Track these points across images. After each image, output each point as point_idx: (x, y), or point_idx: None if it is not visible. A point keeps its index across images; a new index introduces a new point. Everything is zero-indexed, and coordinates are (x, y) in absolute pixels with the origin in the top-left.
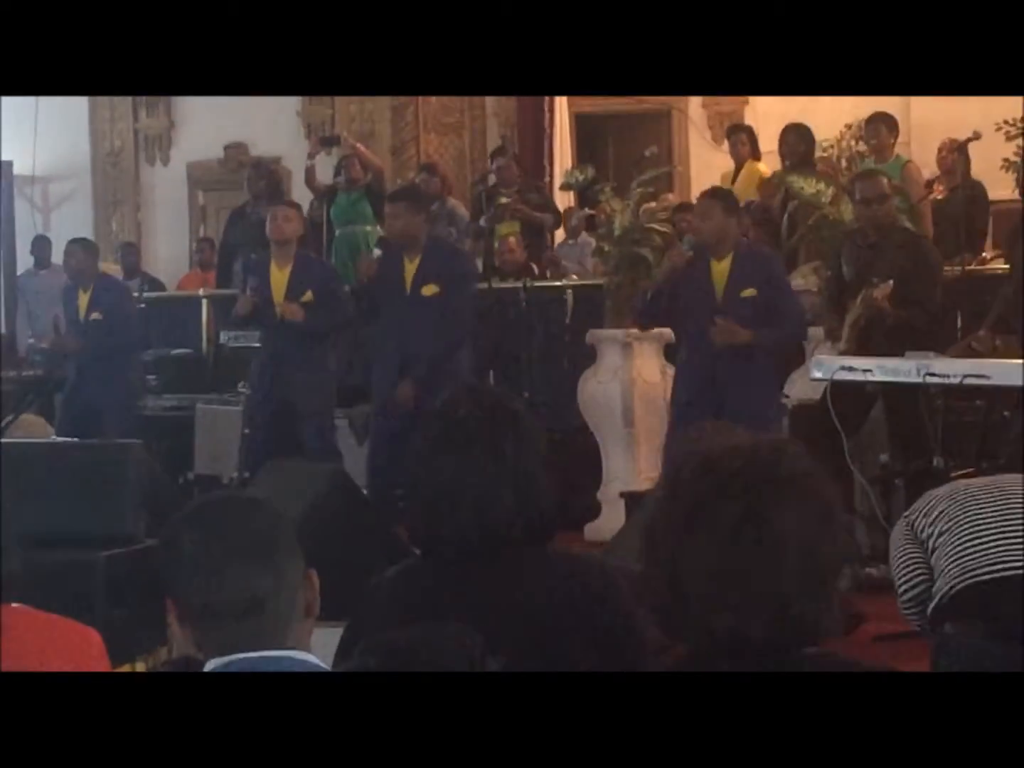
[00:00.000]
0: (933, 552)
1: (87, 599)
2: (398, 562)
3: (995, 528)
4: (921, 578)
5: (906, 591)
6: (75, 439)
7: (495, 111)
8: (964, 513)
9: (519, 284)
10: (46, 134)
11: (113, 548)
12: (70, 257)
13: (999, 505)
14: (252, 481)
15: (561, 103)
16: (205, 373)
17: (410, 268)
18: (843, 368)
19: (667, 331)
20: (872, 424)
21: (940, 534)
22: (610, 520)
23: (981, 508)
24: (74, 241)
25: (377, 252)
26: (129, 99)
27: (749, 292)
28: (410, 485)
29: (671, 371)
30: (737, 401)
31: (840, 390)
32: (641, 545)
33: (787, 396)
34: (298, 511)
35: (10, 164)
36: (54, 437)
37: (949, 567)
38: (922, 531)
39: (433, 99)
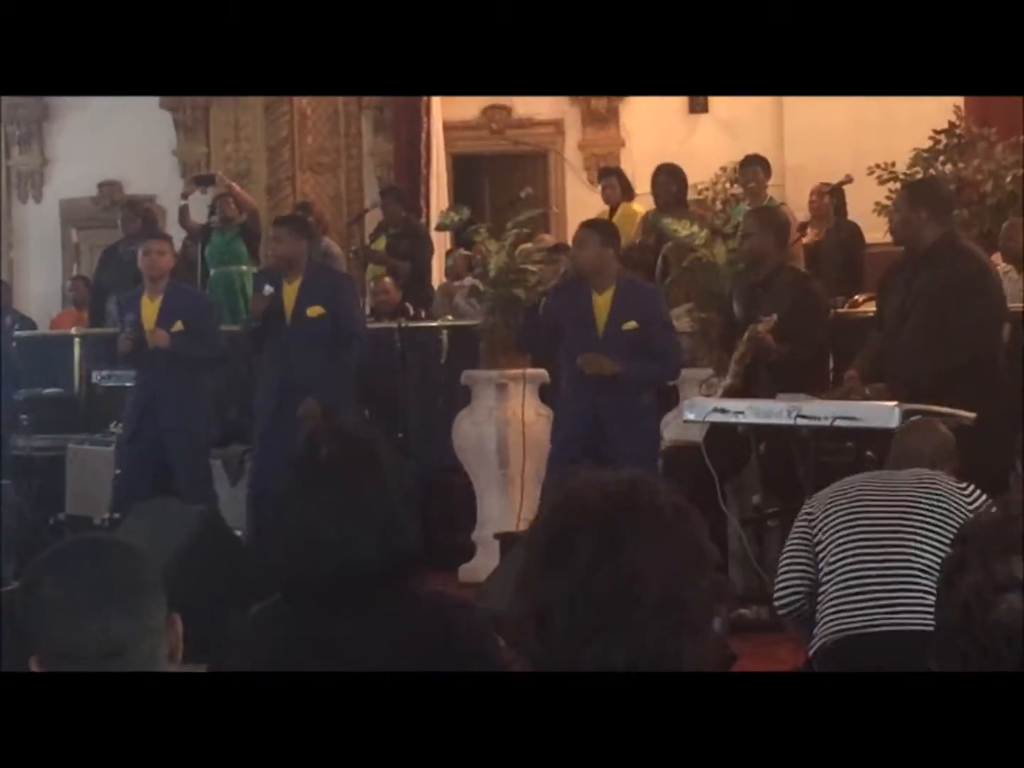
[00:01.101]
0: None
1: None
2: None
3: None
4: (800, 591)
5: (782, 597)
6: None
7: (372, 151)
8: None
9: (394, 324)
10: None
11: None
12: None
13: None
14: (123, 521)
15: (438, 143)
16: (77, 413)
17: (290, 291)
18: (715, 410)
19: (543, 371)
20: (749, 466)
21: (826, 536)
22: (484, 561)
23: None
24: None
25: (269, 289)
26: (1, 136)
27: (631, 325)
28: (270, 525)
29: (546, 412)
30: (617, 439)
31: (716, 432)
32: (514, 582)
33: (660, 437)
34: (170, 552)
35: None
36: None
37: (827, 616)
38: (813, 523)
39: (309, 138)
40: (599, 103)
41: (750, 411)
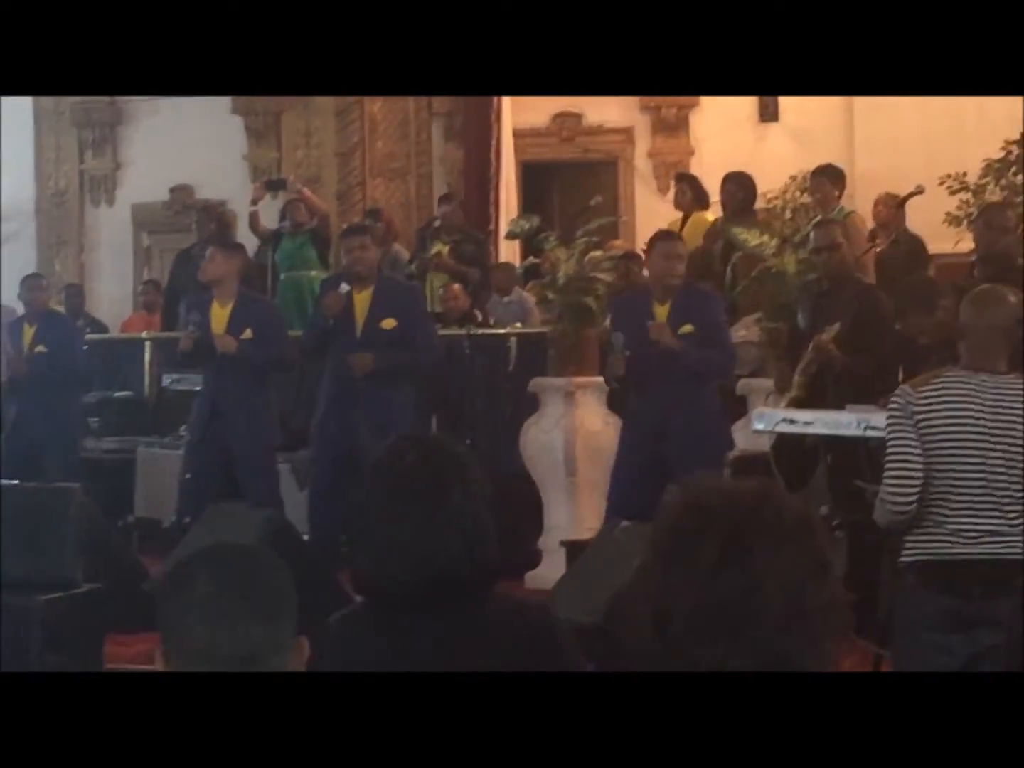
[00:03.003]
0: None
1: (24, 644)
2: (338, 609)
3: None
4: (919, 492)
5: (904, 499)
6: (15, 481)
7: (442, 157)
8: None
9: (462, 331)
10: None
11: (51, 593)
12: (25, 290)
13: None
14: (192, 525)
15: (508, 150)
16: (146, 416)
17: (360, 300)
18: (784, 420)
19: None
20: (817, 476)
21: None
22: (551, 568)
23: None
24: (30, 276)
25: (345, 287)
26: (75, 140)
27: (687, 328)
28: (354, 533)
29: (613, 420)
30: (679, 448)
31: (785, 442)
32: (633, 581)
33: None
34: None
35: None
36: None
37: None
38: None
39: (379, 144)
40: (669, 111)
41: (819, 422)
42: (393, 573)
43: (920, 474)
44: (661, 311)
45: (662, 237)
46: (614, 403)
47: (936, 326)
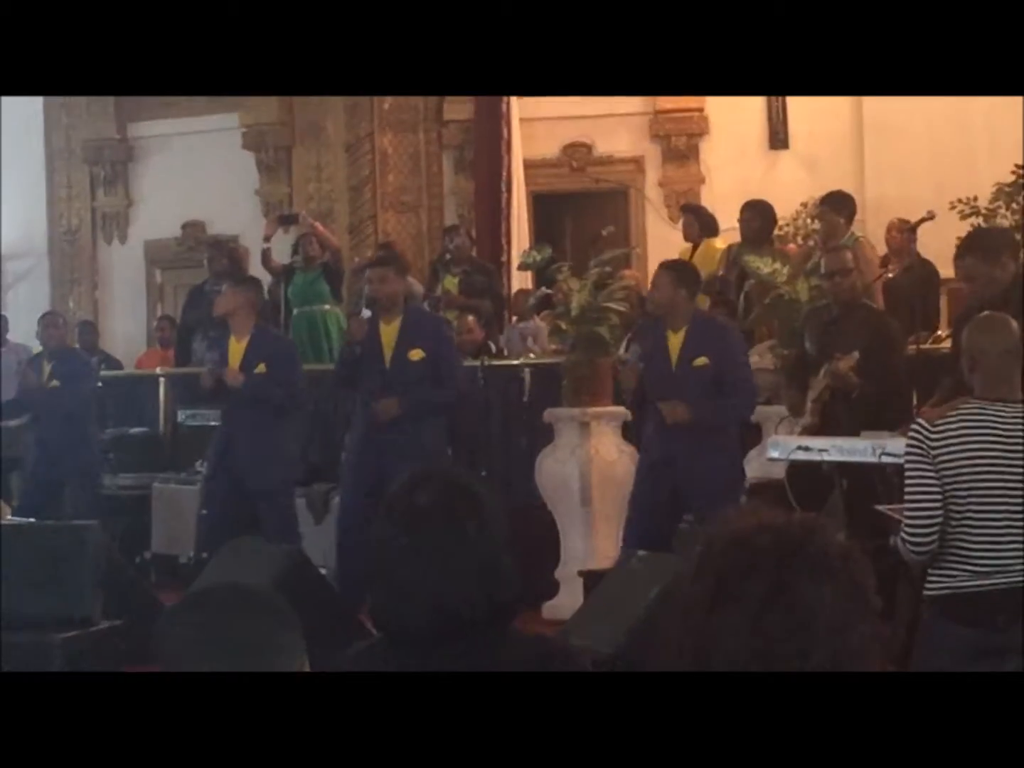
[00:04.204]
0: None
1: None
2: (357, 643)
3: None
4: (938, 531)
5: (925, 538)
6: (32, 520)
7: (453, 190)
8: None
9: (477, 363)
10: (3, 213)
11: (70, 630)
12: (42, 328)
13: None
14: (210, 561)
15: (519, 181)
16: (162, 452)
17: (388, 332)
18: (799, 448)
19: (624, 410)
20: (832, 503)
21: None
22: (568, 599)
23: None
24: (47, 314)
25: (367, 312)
26: (87, 177)
27: (701, 361)
28: (371, 570)
29: (628, 450)
30: (694, 478)
31: (800, 469)
32: (672, 620)
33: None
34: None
35: None
36: (10, 517)
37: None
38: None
39: (391, 177)
40: (679, 140)
41: (834, 449)
42: (408, 612)
43: (939, 514)
44: (675, 339)
45: (659, 266)
46: (629, 433)
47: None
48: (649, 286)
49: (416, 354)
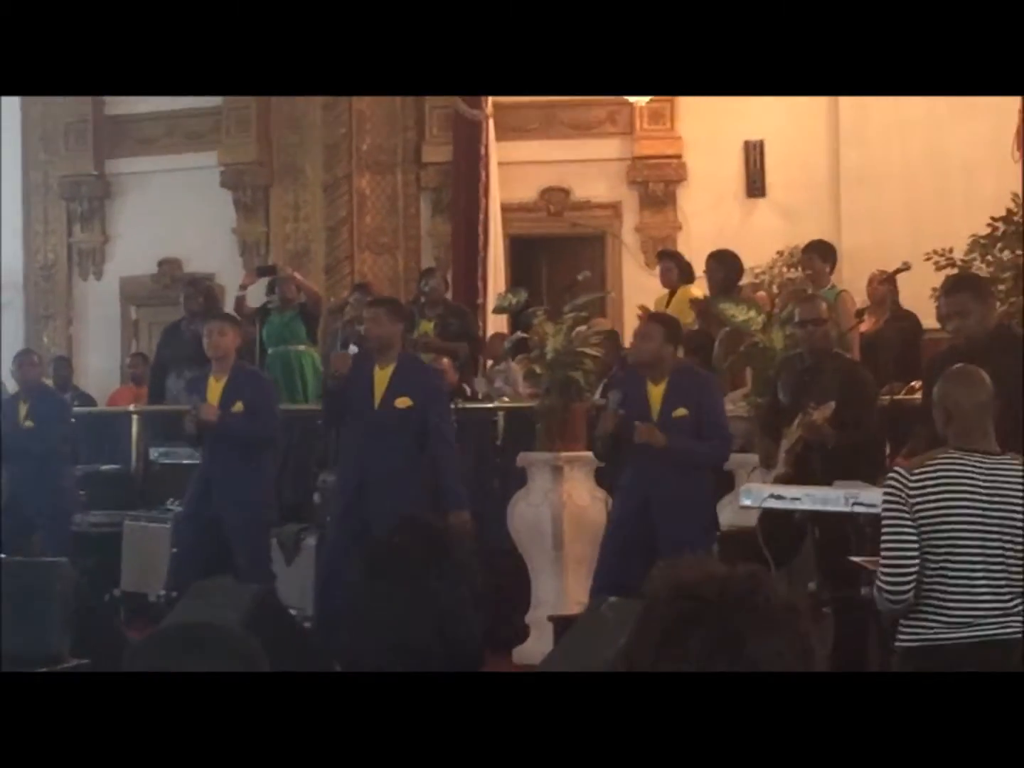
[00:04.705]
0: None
1: None
2: None
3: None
4: (914, 582)
5: (900, 590)
6: (2, 556)
7: (430, 232)
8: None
9: (451, 405)
10: None
11: (38, 667)
12: (16, 367)
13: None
14: (180, 600)
15: (496, 224)
16: (134, 489)
17: (381, 376)
18: (772, 496)
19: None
20: (804, 552)
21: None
22: (538, 644)
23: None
24: (23, 352)
25: (353, 349)
26: (64, 213)
27: (681, 412)
28: (343, 610)
29: (601, 495)
30: (670, 524)
31: (772, 518)
32: (618, 669)
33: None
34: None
35: None
36: None
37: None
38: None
39: (368, 218)
40: (657, 186)
41: (807, 498)
42: (366, 650)
43: (916, 563)
44: (655, 391)
45: (648, 318)
46: (602, 478)
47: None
48: (635, 337)
49: (403, 402)
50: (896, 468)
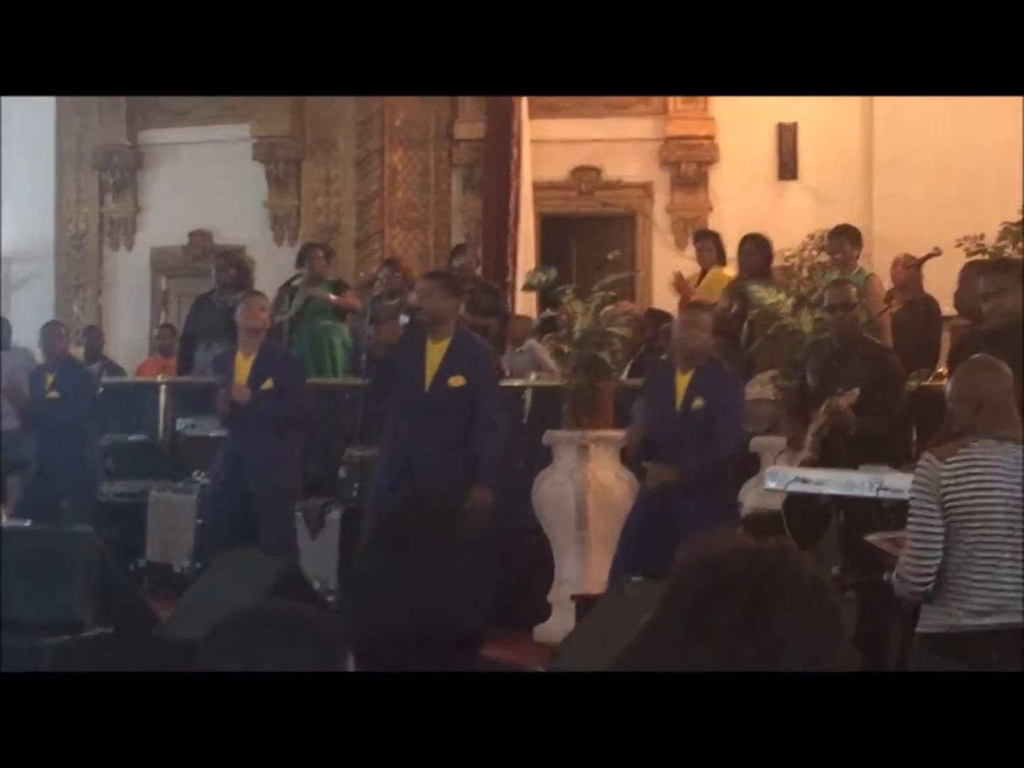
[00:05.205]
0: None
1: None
2: None
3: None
4: (938, 549)
5: (925, 576)
6: (27, 523)
7: (461, 208)
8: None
9: (500, 385)
10: (10, 215)
11: (60, 635)
12: (43, 338)
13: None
14: (204, 571)
15: (527, 202)
16: (160, 460)
17: (434, 352)
18: (797, 479)
19: (621, 434)
20: (828, 536)
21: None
22: (560, 622)
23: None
24: (50, 324)
25: (404, 319)
26: (96, 183)
27: (698, 403)
28: (349, 581)
29: (626, 475)
30: (690, 513)
31: (797, 501)
32: (644, 640)
33: (740, 504)
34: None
35: None
36: (6, 520)
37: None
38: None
39: (399, 193)
40: (689, 167)
41: (832, 482)
42: (369, 626)
43: (940, 551)
44: (682, 380)
45: (686, 307)
46: (628, 458)
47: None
48: (683, 327)
49: (457, 380)
50: (926, 455)
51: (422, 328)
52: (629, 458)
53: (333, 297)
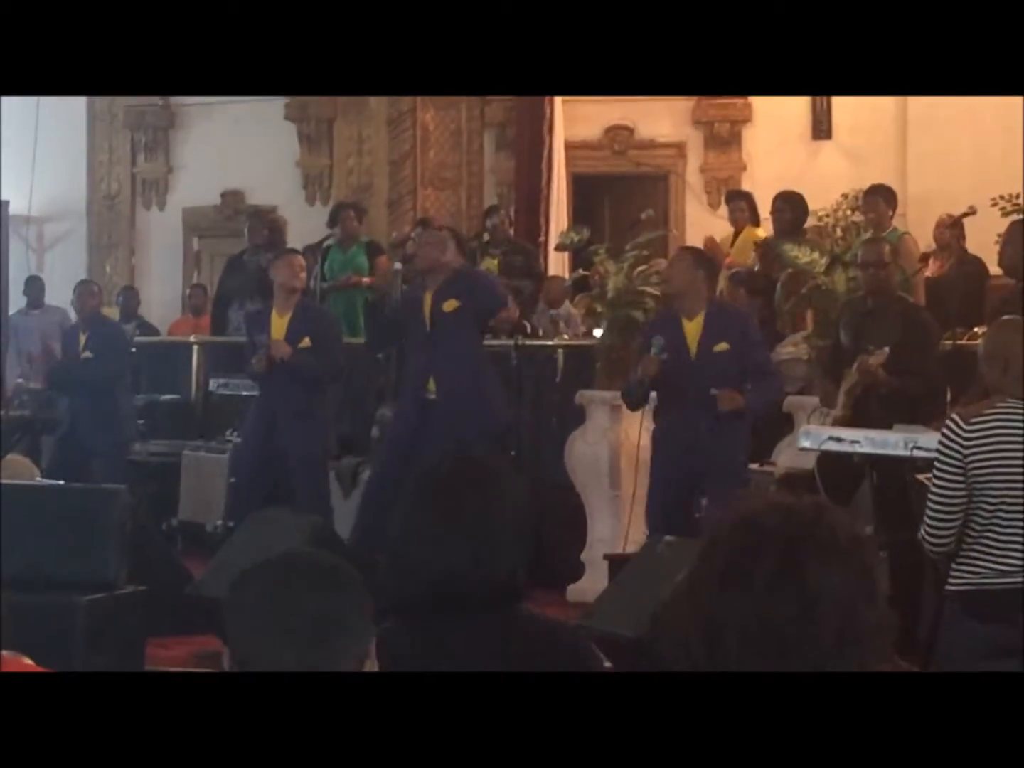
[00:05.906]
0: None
1: (67, 644)
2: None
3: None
4: (956, 531)
5: (943, 538)
6: (61, 482)
7: (493, 168)
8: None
9: (510, 342)
10: (43, 175)
11: (94, 593)
12: (76, 297)
13: None
14: (236, 530)
15: (559, 162)
16: (193, 420)
17: (428, 297)
18: (831, 439)
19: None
20: (861, 495)
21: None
22: (593, 582)
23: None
24: (83, 282)
25: (397, 265)
26: (128, 143)
27: (722, 347)
28: (388, 545)
29: None
30: (715, 462)
31: (830, 460)
32: (680, 597)
33: (773, 464)
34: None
35: (6, 204)
36: (39, 479)
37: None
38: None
39: (431, 153)
40: (722, 127)
41: (866, 441)
42: (405, 584)
43: (960, 513)
44: (691, 326)
45: (680, 250)
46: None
47: None
48: (666, 267)
49: (450, 305)
50: (952, 416)
51: (421, 282)
52: (637, 393)
53: (366, 280)
